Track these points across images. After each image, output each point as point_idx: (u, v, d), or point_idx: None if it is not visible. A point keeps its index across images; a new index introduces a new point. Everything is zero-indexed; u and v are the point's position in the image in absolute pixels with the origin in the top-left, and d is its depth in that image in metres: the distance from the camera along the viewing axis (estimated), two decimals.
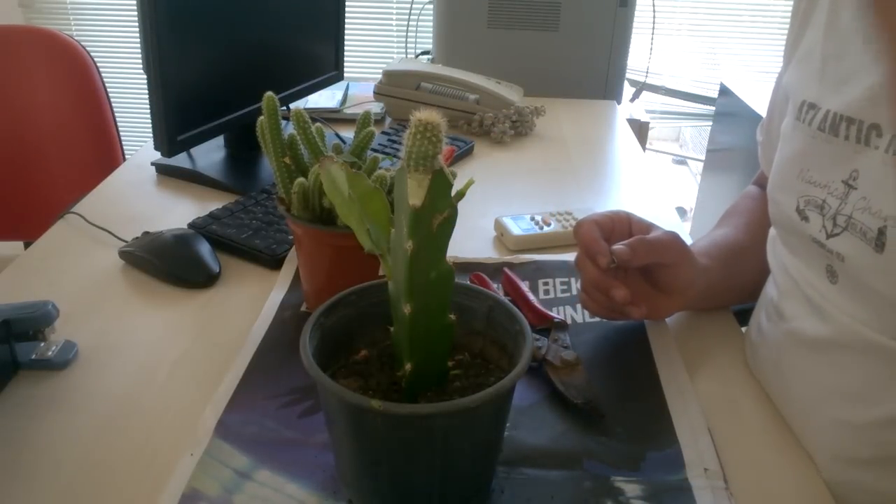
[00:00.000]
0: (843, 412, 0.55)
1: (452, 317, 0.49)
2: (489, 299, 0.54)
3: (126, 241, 0.85)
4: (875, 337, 0.51)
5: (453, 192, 0.45)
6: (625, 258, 0.61)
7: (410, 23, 1.91)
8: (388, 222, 0.46)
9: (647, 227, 0.67)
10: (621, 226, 0.66)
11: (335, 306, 0.52)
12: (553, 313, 0.72)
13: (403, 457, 0.47)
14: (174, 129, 0.94)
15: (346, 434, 0.47)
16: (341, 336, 0.53)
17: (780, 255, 0.64)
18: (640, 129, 1.62)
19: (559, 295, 0.78)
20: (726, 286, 0.73)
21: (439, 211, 0.43)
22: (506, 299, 0.54)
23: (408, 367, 0.48)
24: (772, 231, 0.67)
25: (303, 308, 0.74)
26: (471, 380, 0.52)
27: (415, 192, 0.42)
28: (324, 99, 1.41)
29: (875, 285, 0.50)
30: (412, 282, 0.45)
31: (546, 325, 0.71)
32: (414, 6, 1.91)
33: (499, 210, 0.96)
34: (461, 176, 1.06)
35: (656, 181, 1.15)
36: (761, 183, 0.81)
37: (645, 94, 1.88)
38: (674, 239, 0.65)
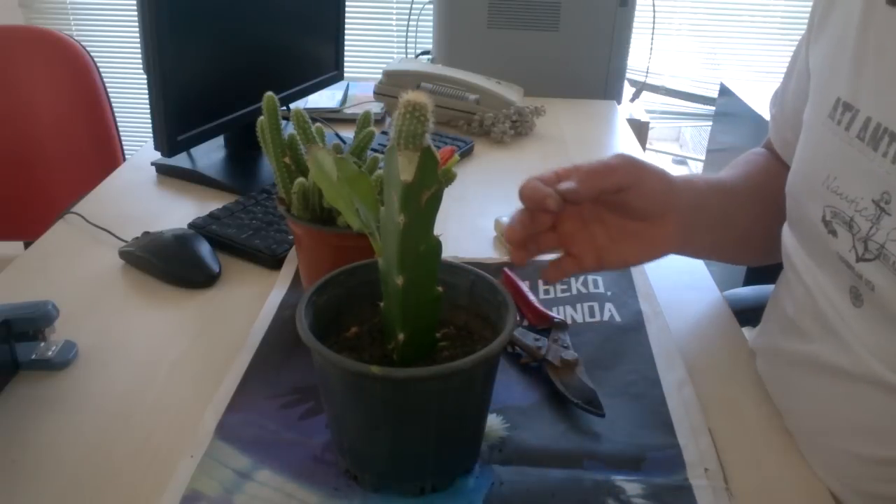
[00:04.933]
0: (853, 445, 0.53)
1: (440, 289, 0.51)
2: (471, 274, 0.56)
3: (126, 241, 0.85)
4: (892, 377, 0.48)
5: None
6: (572, 190, 0.54)
7: (410, 23, 1.91)
8: (376, 202, 0.49)
9: (597, 163, 0.59)
10: (568, 175, 0.58)
11: (326, 285, 0.55)
12: (553, 313, 0.72)
13: (401, 421, 0.49)
14: (174, 129, 0.94)
15: (345, 403, 0.49)
16: (332, 314, 0.55)
17: (800, 259, 0.60)
18: (640, 129, 1.62)
19: (559, 295, 0.78)
20: (722, 218, 0.67)
21: (427, 187, 0.45)
22: (487, 274, 0.56)
23: (400, 337, 0.51)
24: (785, 228, 0.64)
25: None
26: (458, 349, 0.54)
27: (406, 169, 0.44)
28: (324, 99, 1.41)
29: None
30: (404, 255, 0.47)
31: (546, 325, 0.71)
32: (414, 6, 1.91)
33: (499, 210, 0.96)
34: (461, 176, 1.06)
35: None
36: (769, 147, 0.78)
37: (645, 94, 1.88)
38: (622, 158, 0.58)
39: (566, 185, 0.55)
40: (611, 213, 0.60)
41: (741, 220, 0.68)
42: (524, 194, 0.56)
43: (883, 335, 0.49)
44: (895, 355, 0.48)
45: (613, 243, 0.61)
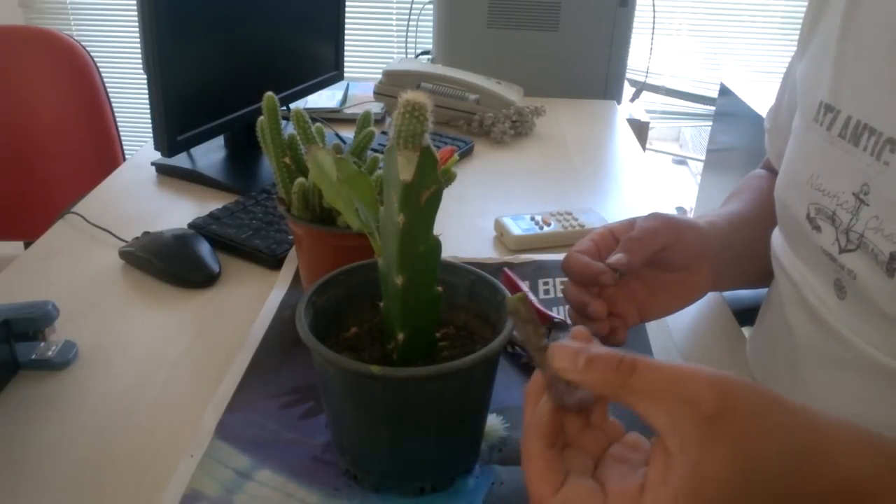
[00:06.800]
0: None
1: (439, 288, 0.51)
2: (471, 274, 0.56)
3: (126, 241, 0.85)
4: (882, 358, 0.49)
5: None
6: (624, 263, 0.58)
7: (410, 23, 1.91)
8: (375, 202, 0.49)
9: (630, 225, 0.62)
10: (606, 242, 0.62)
11: (326, 285, 0.55)
12: (553, 313, 0.72)
13: (401, 421, 0.49)
14: (174, 129, 0.94)
15: (345, 403, 0.49)
16: (332, 315, 0.55)
17: (787, 258, 0.62)
18: (640, 129, 1.62)
19: (559, 295, 0.78)
20: (744, 251, 0.69)
21: (427, 187, 0.45)
22: (487, 275, 0.56)
23: (400, 337, 0.51)
24: (775, 232, 0.66)
25: None
26: (458, 349, 0.54)
27: (405, 168, 0.44)
28: (324, 99, 1.41)
29: (884, 307, 0.48)
30: (403, 254, 0.47)
31: (546, 325, 0.71)
32: (414, 6, 1.91)
33: (499, 210, 0.96)
34: (461, 176, 1.06)
35: (656, 181, 1.15)
36: (768, 167, 0.79)
37: (645, 94, 1.88)
38: (659, 220, 0.61)
39: (617, 259, 0.58)
40: (648, 268, 0.62)
41: (762, 247, 0.70)
42: (574, 270, 0.58)
43: (868, 321, 0.51)
44: (882, 341, 0.50)
45: (653, 297, 0.63)
